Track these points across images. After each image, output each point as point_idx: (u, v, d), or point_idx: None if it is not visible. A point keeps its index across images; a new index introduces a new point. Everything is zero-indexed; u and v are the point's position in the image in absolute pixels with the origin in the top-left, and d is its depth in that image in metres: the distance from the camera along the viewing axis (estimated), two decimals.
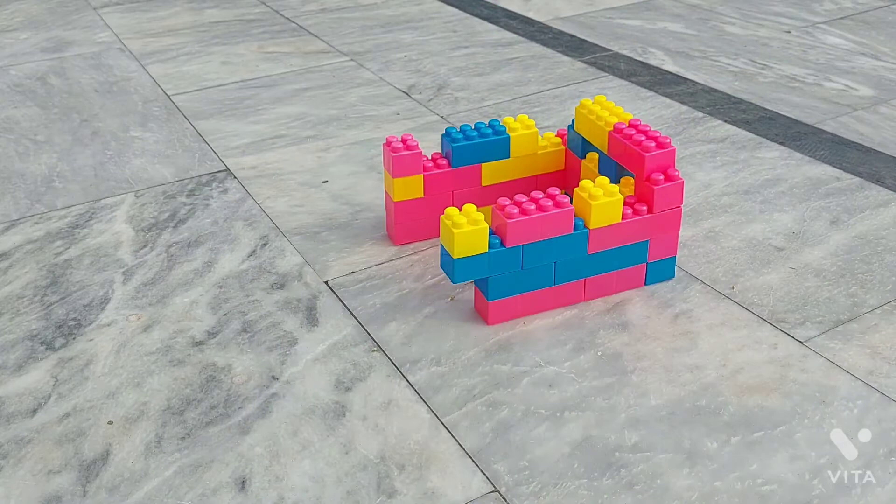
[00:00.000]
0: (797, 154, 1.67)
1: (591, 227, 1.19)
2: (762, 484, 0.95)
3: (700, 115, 1.85)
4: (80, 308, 1.25)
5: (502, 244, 1.15)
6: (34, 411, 1.07)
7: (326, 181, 1.59)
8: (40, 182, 1.61)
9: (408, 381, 1.11)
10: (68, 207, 1.52)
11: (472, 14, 2.55)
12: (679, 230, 1.26)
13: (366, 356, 1.15)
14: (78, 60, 2.22)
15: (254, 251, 1.38)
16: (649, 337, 1.18)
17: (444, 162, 1.35)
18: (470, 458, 0.99)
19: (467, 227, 1.12)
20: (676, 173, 1.22)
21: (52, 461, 0.99)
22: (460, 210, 1.14)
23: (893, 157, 1.66)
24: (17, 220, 1.49)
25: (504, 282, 1.18)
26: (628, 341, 1.17)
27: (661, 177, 1.21)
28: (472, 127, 1.37)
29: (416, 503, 0.93)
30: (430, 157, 1.36)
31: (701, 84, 2.02)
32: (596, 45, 2.28)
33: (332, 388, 1.09)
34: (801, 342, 1.16)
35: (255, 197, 1.54)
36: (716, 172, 1.60)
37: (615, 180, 1.29)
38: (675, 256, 1.28)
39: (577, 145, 1.38)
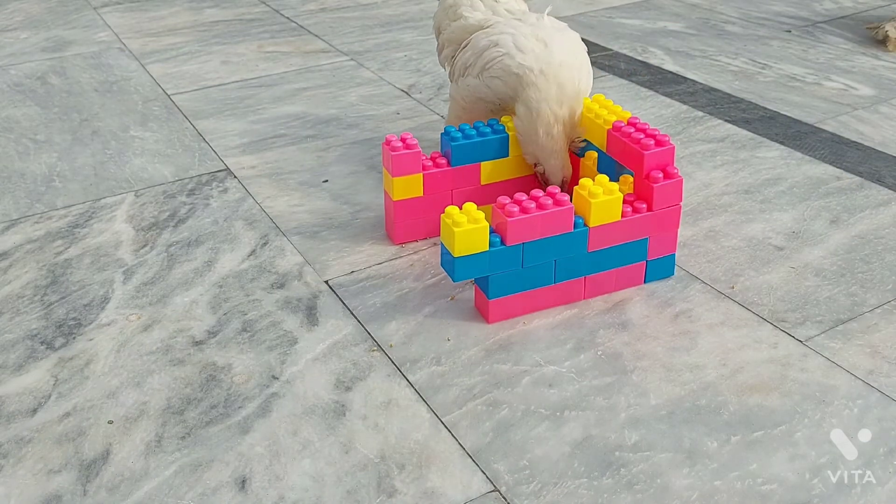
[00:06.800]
0: (797, 153, 1.67)
1: (591, 224, 1.19)
2: (762, 483, 0.95)
3: (700, 114, 1.85)
4: (80, 308, 1.25)
5: (502, 242, 1.15)
6: (34, 411, 1.07)
7: (326, 181, 1.59)
8: (40, 181, 1.61)
9: (408, 380, 1.11)
10: (68, 207, 1.52)
11: None
12: (678, 228, 1.26)
13: (366, 356, 1.15)
14: (78, 60, 2.22)
15: (254, 251, 1.38)
16: (649, 336, 1.18)
17: (444, 161, 1.35)
18: (470, 457, 0.99)
19: (468, 226, 1.12)
20: (675, 171, 1.22)
21: (52, 461, 0.99)
22: (460, 209, 1.14)
23: (893, 156, 1.66)
24: (17, 219, 1.49)
25: (504, 280, 1.18)
26: (628, 340, 1.17)
27: (661, 174, 1.21)
28: (472, 126, 1.37)
29: (416, 503, 0.93)
30: (429, 156, 1.36)
31: (701, 83, 2.02)
32: (596, 44, 2.28)
33: (332, 388, 1.09)
34: (801, 341, 1.16)
35: (255, 196, 1.54)
36: (716, 172, 1.60)
37: (614, 178, 1.29)
38: (674, 254, 1.28)
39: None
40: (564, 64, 1.29)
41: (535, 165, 1.36)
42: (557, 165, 1.32)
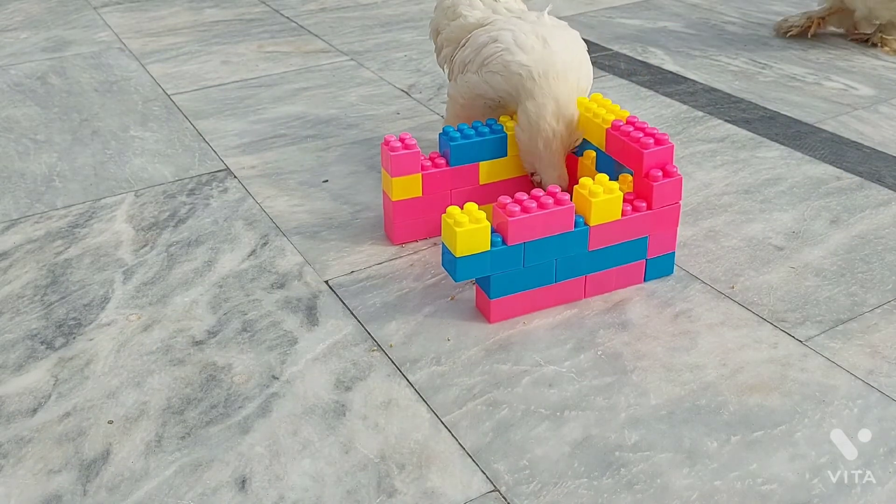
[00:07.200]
0: (797, 153, 1.67)
1: (592, 223, 1.19)
2: (762, 483, 0.95)
3: (700, 114, 1.85)
4: (81, 307, 1.25)
5: (504, 242, 1.15)
6: (34, 411, 1.07)
7: (326, 180, 1.59)
8: (40, 181, 1.61)
9: (408, 380, 1.11)
10: (68, 207, 1.52)
11: None
12: (678, 226, 1.26)
13: (366, 355, 1.15)
14: (78, 60, 2.22)
15: (254, 251, 1.38)
16: (649, 336, 1.18)
17: (442, 161, 1.35)
18: (470, 457, 0.99)
19: (469, 226, 1.12)
20: (675, 169, 1.22)
21: (52, 461, 0.99)
22: (461, 208, 1.14)
23: (893, 156, 1.66)
24: (17, 219, 1.49)
25: (506, 280, 1.18)
26: (628, 340, 1.17)
27: (660, 173, 1.21)
28: (470, 126, 1.37)
29: (416, 502, 0.93)
30: (428, 157, 1.36)
31: (701, 83, 2.02)
32: (596, 44, 2.28)
33: (332, 388, 1.09)
34: (801, 341, 1.16)
35: (255, 196, 1.54)
36: (716, 172, 1.60)
37: (613, 178, 1.29)
38: (673, 252, 1.28)
39: None
40: (560, 74, 1.29)
41: (532, 175, 1.36)
42: (554, 177, 1.33)
